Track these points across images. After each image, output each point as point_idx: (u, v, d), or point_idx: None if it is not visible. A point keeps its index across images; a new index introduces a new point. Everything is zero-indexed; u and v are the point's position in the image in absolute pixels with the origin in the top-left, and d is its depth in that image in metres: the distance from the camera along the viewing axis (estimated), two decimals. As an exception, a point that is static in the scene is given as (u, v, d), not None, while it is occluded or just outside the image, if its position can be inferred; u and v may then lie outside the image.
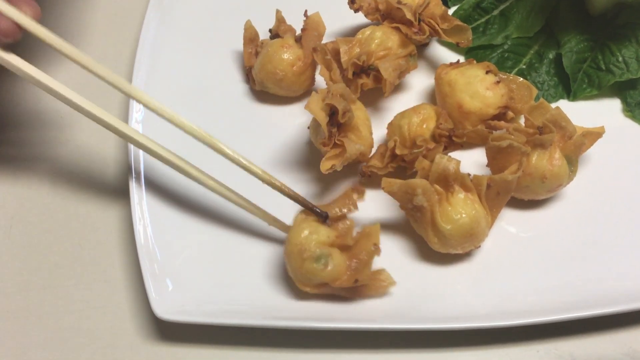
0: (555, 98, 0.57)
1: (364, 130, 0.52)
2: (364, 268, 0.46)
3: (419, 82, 0.59)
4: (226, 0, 0.63)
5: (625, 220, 0.51)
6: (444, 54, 0.60)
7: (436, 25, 0.56)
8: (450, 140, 0.51)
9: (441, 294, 0.49)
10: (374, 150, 0.53)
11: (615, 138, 0.55)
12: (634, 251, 0.50)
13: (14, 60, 0.46)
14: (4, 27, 0.44)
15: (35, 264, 0.51)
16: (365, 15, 0.58)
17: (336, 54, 0.56)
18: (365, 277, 0.46)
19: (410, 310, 0.48)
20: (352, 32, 0.60)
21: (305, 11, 0.57)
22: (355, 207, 0.47)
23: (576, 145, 0.49)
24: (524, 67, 0.58)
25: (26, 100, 0.60)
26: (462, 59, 0.59)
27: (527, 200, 0.52)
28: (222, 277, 0.49)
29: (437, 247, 0.48)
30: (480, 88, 0.52)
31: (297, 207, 0.49)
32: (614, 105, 0.57)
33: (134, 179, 0.51)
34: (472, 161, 0.53)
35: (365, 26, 0.57)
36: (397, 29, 0.56)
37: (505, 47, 0.58)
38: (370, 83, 0.55)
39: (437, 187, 0.47)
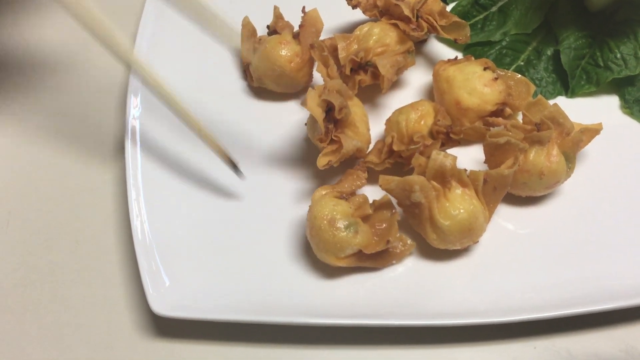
0: (554, 95, 0.57)
1: (361, 127, 0.52)
2: (391, 229, 0.47)
3: (417, 78, 0.59)
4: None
5: (622, 218, 0.51)
6: (442, 51, 0.60)
7: (434, 22, 0.56)
8: (448, 137, 0.51)
9: (439, 290, 0.49)
10: (371, 147, 0.53)
11: (614, 135, 0.55)
12: (631, 248, 0.50)
13: None
14: None
15: (32, 260, 0.51)
16: (363, 12, 0.58)
17: (334, 50, 0.56)
18: (395, 237, 0.47)
19: (409, 307, 0.48)
20: (350, 29, 0.60)
21: (303, 7, 0.57)
22: (364, 182, 0.50)
23: (574, 141, 0.49)
24: (522, 63, 0.58)
25: (24, 93, 0.60)
26: (460, 55, 0.59)
27: (525, 197, 0.51)
28: (219, 273, 0.49)
29: (435, 244, 0.48)
30: (478, 85, 0.52)
31: (296, 194, 0.50)
32: (612, 102, 0.57)
33: (131, 176, 0.51)
34: (469, 158, 0.53)
35: (363, 22, 0.57)
36: (395, 25, 0.55)
37: (504, 43, 0.58)
38: (368, 79, 0.55)
39: (435, 183, 0.47)
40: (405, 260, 0.50)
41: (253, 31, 0.58)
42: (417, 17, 0.56)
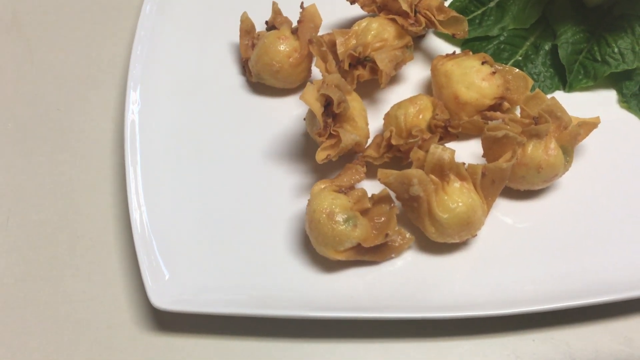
0: (551, 89, 0.57)
1: (359, 121, 0.52)
2: (390, 222, 0.48)
3: (416, 73, 0.59)
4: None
5: (620, 211, 0.51)
6: (440, 46, 0.60)
7: (432, 17, 0.56)
8: (446, 131, 0.51)
9: (438, 283, 0.49)
10: (370, 141, 0.53)
11: (611, 129, 0.55)
12: (629, 241, 0.50)
13: None
14: None
15: (33, 255, 0.51)
16: (362, 7, 0.58)
17: (332, 46, 0.56)
18: (394, 230, 0.47)
19: (408, 300, 0.48)
20: (349, 24, 0.60)
21: (302, 3, 0.57)
22: (362, 176, 0.50)
23: (572, 135, 0.49)
24: (520, 58, 0.58)
25: (23, 93, 0.60)
26: (458, 50, 0.59)
27: (523, 190, 0.52)
28: (219, 267, 0.49)
29: (434, 237, 0.48)
30: (476, 79, 0.52)
31: (295, 189, 0.50)
32: (609, 96, 0.57)
33: (130, 170, 0.51)
34: (468, 152, 0.53)
35: (361, 18, 0.57)
36: (393, 20, 0.56)
37: (502, 38, 0.59)
38: (366, 74, 0.55)
39: (433, 176, 0.48)
40: (404, 253, 0.50)
41: (252, 27, 0.58)
42: (415, 12, 0.56)
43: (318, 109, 0.49)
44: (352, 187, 0.49)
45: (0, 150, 0.57)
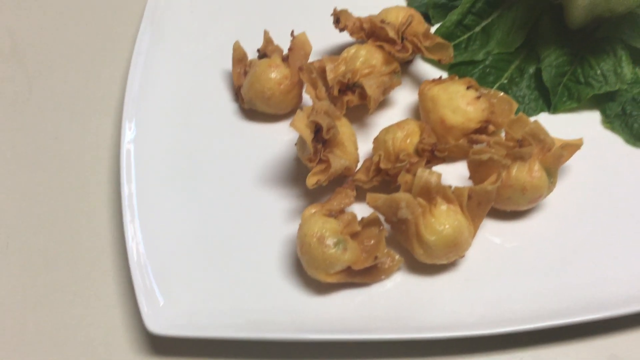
0: (536, 111, 0.59)
1: (349, 146, 0.53)
2: (379, 245, 0.49)
3: (404, 97, 0.60)
4: (216, 21, 0.65)
5: (605, 230, 0.53)
6: (428, 70, 0.62)
7: (419, 43, 0.57)
8: (433, 155, 0.52)
9: (428, 304, 0.50)
10: (360, 165, 0.55)
11: (596, 149, 0.56)
12: (613, 259, 0.51)
13: None
14: None
15: (30, 281, 0.52)
16: (350, 34, 0.59)
17: (322, 72, 0.57)
18: (383, 252, 0.49)
19: (398, 321, 0.49)
20: (338, 50, 0.61)
21: (292, 31, 0.58)
22: (352, 200, 0.51)
23: (555, 157, 0.51)
24: (506, 81, 0.60)
25: (21, 122, 0.62)
26: (445, 75, 0.61)
27: (510, 211, 0.53)
28: (213, 291, 0.50)
29: (422, 258, 0.50)
30: (462, 103, 0.54)
31: (287, 213, 0.52)
32: (593, 117, 0.59)
33: (126, 197, 0.52)
34: (456, 174, 0.55)
35: (350, 44, 0.59)
36: (381, 47, 0.57)
37: (487, 62, 0.60)
38: (355, 100, 0.56)
39: (420, 199, 0.49)
40: (394, 275, 0.51)
41: (244, 55, 0.59)
42: (403, 39, 0.57)
43: (308, 136, 0.50)
44: (342, 211, 0.51)
45: (0, 177, 0.58)
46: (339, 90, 0.56)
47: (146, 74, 0.59)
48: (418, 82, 0.61)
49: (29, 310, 0.51)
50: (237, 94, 0.60)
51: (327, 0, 0.62)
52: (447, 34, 0.61)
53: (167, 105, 0.59)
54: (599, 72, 0.58)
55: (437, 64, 0.62)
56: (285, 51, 0.59)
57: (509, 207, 0.52)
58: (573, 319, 0.47)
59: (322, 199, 0.54)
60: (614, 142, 0.57)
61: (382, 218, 0.50)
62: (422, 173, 0.49)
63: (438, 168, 0.54)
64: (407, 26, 0.57)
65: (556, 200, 0.54)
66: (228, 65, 0.60)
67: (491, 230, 0.53)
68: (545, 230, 0.53)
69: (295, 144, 0.54)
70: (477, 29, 0.62)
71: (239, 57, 0.59)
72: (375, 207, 0.49)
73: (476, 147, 0.51)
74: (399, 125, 0.54)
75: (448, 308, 0.50)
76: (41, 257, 0.54)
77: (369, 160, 0.54)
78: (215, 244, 0.52)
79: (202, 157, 0.57)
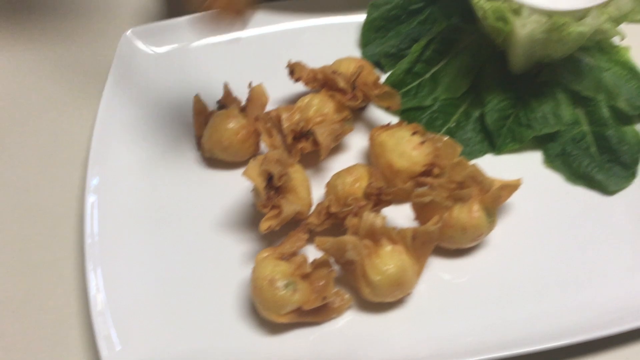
0: (482, 153, 0.62)
1: (301, 191, 0.56)
2: (327, 286, 0.52)
3: (358, 142, 0.63)
4: (179, 76, 0.68)
5: (547, 263, 0.56)
6: (380, 116, 0.65)
7: (368, 92, 0.61)
8: (380, 198, 0.55)
9: (380, 340, 0.52)
10: (313, 209, 0.58)
11: (538, 187, 0.60)
12: (554, 291, 0.54)
13: None
14: None
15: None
16: (305, 84, 0.63)
17: (279, 121, 0.61)
18: (331, 293, 0.51)
19: (351, 358, 0.51)
20: (295, 99, 0.65)
21: (250, 83, 0.62)
22: (303, 243, 0.54)
23: (493, 198, 0.54)
24: (453, 125, 0.63)
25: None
26: (397, 119, 0.64)
27: (455, 249, 0.56)
28: (172, 335, 0.52)
29: (370, 297, 0.52)
30: (408, 148, 0.57)
31: (244, 257, 0.55)
32: (536, 156, 0.62)
33: (88, 248, 0.54)
34: (403, 215, 0.57)
35: (305, 94, 0.62)
36: (333, 96, 0.61)
37: (435, 107, 0.63)
38: (309, 147, 0.59)
39: (367, 241, 0.52)
40: (346, 314, 0.53)
41: (204, 107, 0.63)
42: (353, 88, 0.61)
43: (260, 184, 0.53)
44: (294, 254, 0.53)
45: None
46: (294, 138, 0.59)
47: (111, 127, 0.62)
48: (372, 126, 0.64)
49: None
50: (198, 143, 0.63)
51: (287, 52, 0.65)
52: (397, 82, 0.65)
53: (131, 155, 0.62)
54: (539, 114, 0.61)
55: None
56: (244, 102, 0.62)
57: (453, 246, 0.55)
58: (518, 350, 0.50)
59: (278, 242, 0.57)
60: (555, 180, 0.60)
61: (333, 259, 0.53)
62: (368, 216, 0.52)
63: (388, 210, 0.58)
64: (357, 76, 0.61)
65: (503, 237, 0.57)
66: (190, 116, 0.64)
67: (441, 268, 0.56)
68: (491, 266, 0.56)
69: (252, 191, 0.57)
70: (427, 75, 0.65)
71: (199, 108, 0.63)
72: (324, 250, 0.52)
73: (418, 190, 0.54)
74: (348, 170, 0.57)
75: (400, 343, 0.52)
76: (9, 306, 0.56)
77: (320, 204, 0.57)
78: (174, 288, 0.55)
79: (164, 204, 0.60)
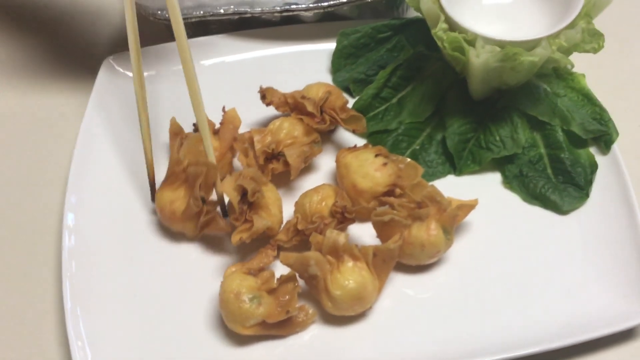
0: (444, 174, 0.65)
1: (273, 209, 0.59)
2: (291, 301, 0.54)
3: (328, 163, 0.66)
4: (157, 100, 0.71)
5: (502, 279, 0.59)
6: (349, 138, 0.68)
7: (336, 116, 0.64)
8: (344, 216, 0.58)
9: (344, 353, 0.55)
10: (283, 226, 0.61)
11: (496, 206, 0.63)
12: (509, 306, 0.57)
13: None
14: None
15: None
16: (276, 108, 0.66)
17: (251, 142, 0.64)
18: (294, 308, 0.54)
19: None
20: (267, 122, 0.68)
21: (223, 107, 0.65)
22: (271, 259, 0.57)
23: (450, 217, 0.57)
24: (417, 147, 0.66)
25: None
26: (364, 141, 0.67)
27: (415, 265, 0.59)
28: (142, 348, 0.55)
29: (332, 311, 0.55)
30: (370, 169, 0.60)
31: (216, 270, 0.58)
32: (495, 178, 0.65)
33: (66, 271, 0.57)
34: (368, 233, 0.60)
35: (277, 117, 0.66)
36: (302, 119, 0.64)
37: (400, 131, 0.66)
38: (280, 167, 0.62)
39: (330, 257, 0.55)
40: (311, 327, 0.56)
41: (179, 129, 0.65)
42: (322, 112, 0.64)
43: (234, 197, 0.57)
44: (262, 269, 0.56)
45: None
46: (265, 159, 0.63)
47: (90, 148, 0.65)
48: (341, 147, 0.67)
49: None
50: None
51: (261, 78, 0.68)
52: (365, 106, 0.68)
53: (109, 173, 0.65)
54: (498, 138, 0.65)
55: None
56: (218, 125, 0.65)
57: (413, 262, 0.58)
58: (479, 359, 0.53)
59: (251, 257, 0.59)
60: (512, 200, 0.64)
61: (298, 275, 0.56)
62: (331, 234, 0.55)
63: (354, 228, 0.61)
64: (324, 101, 0.64)
65: (463, 254, 0.60)
66: (167, 138, 0.67)
67: (404, 284, 0.59)
68: (452, 281, 0.59)
69: (227, 205, 0.60)
70: (393, 100, 0.68)
71: (175, 130, 0.65)
72: (288, 265, 0.55)
73: (378, 209, 0.57)
74: (315, 189, 0.60)
75: (365, 355, 0.55)
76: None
77: (289, 222, 0.60)
78: (146, 299, 0.58)
79: (138, 218, 0.62)
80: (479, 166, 0.64)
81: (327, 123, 0.64)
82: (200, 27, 0.74)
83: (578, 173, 0.63)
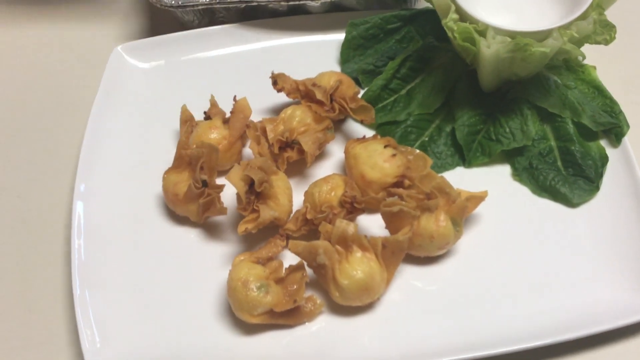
0: (453, 166, 0.65)
1: (282, 199, 0.59)
2: (299, 290, 0.54)
3: (337, 153, 0.66)
4: (169, 87, 0.71)
5: (511, 271, 0.59)
6: (358, 128, 0.68)
7: (345, 105, 0.64)
8: (353, 206, 0.58)
9: (351, 343, 0.55)
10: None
11: (506, 199, 0.63)
12: (518, 298, 0.57)
13: None
14: None
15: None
16: (287, 95, 0.66)
17: (264, 132, 0.64)
18: (301, 297, 0.54)
19: (322, 359, 0.54)
20: (277, 109, 0.68)
21: (235, 96, 0.65)
22: (280, 250, 0.57)
23: (459, 208, 0.57)
24: (427, 139, 0.66)
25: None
26: (373, 132, 0.66)
27: (424, 257, 0.59)
28: (151, 335, 0.55)
29: (339, 301, 0.55)
30: (379, 160, 0.60)
31: (228, 256, 0.58)
32: (505, 170, 0.65)
33: (76, 260, 0.58)
34: (377, 224, 0.60)
35: (288, 105, 0.65)
36: (311, 107, 0.64)
37: (409, 122, 0.66)
38: (295, 155, 0.62)
39: (339, 247, 0.55)
40: (319, 318, 0.56)
41: (190, 117, 0.66)
42: (331, 100, 0.64)
43: (241, 187, 0.57)
44: (271, 259, 0.56)
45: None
46: (279, 148, 0.62)
47: (101, 136, 0.65)
48: (352, 137, 0.66)
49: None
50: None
51: (271, 68, 0.68)
52: (374, 97, 0.68)
53: (119, 162, 0.65)
54: (507, 130, 0.64)
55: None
56: (228, 114, 0.65)
57: (421, 254, 0.58)
58: (484, 352, 0.53)
59: (260, 246, 0.59)
60: (522, 192, 0.63)
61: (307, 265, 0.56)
62: (340, 223, 0.55)
63: (363, 219, 0.61)
64: (335, 89, 0.64)
65: (471, 246, 0.60)
66: (177, 125, 0.67)
67: (414, 275, 0.59)
68: (461, 273, 0.59)
69: (236, 194, 0.60)
70: (402, 92, 0.68)
71: (185, 118, 0.65)
72: (297, 253, 0.55)
73: (387, 200, 0.57)
74: (325, 179, 0.60)
75: (372, 346, 0.55)
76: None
77: (298, 211, 0.60)
78: (155, 287, 0.58)
79: (148, 207, 0.63)
80: (489, 158, 0.64)
81: (336, 112, 0.64)
82: (206, 15, 0.74)
83: (588, 166, 0.63)
